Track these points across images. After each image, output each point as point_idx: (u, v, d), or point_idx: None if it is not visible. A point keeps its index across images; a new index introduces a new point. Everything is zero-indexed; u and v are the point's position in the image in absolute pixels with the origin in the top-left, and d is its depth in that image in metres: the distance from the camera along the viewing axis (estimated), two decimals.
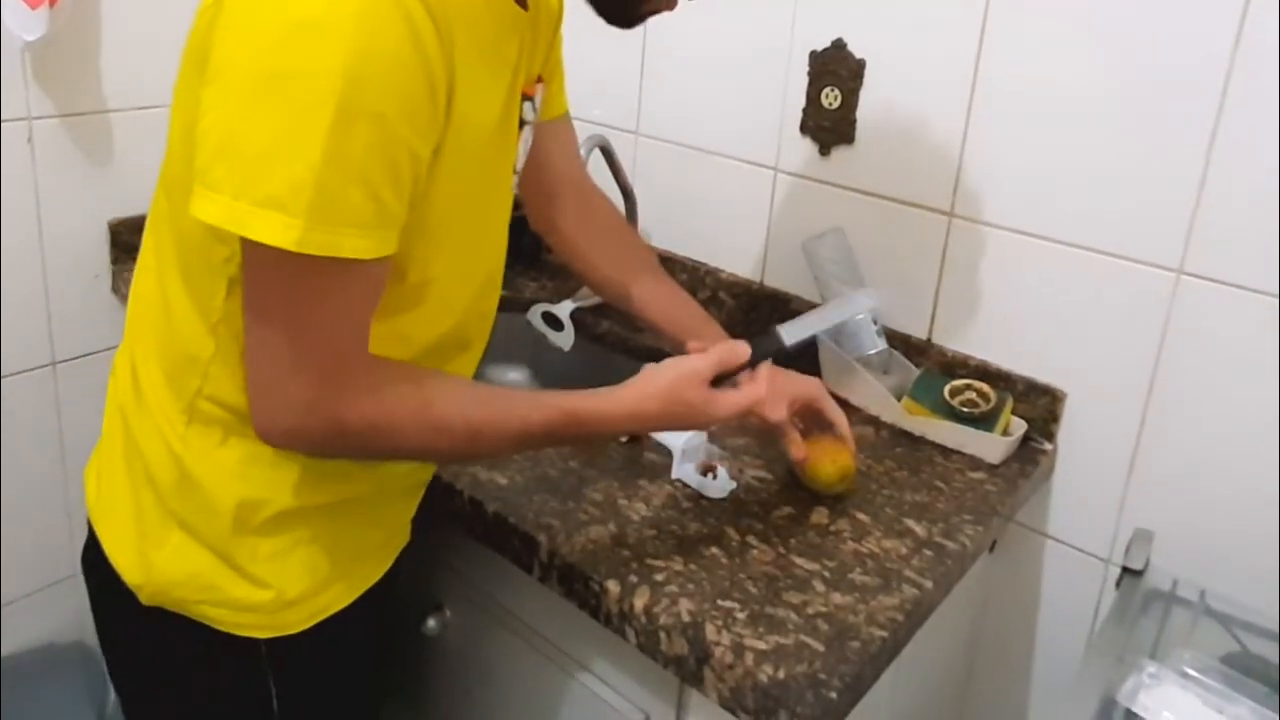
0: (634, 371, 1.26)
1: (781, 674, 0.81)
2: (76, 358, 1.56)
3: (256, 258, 0.72)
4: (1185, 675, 0.82)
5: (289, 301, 0.72)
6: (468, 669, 1.13)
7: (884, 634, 0.86)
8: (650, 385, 0.89)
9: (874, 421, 1.23)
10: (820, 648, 0.84)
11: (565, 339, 1.46)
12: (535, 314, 1.47)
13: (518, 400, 0.86)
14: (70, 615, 1.65)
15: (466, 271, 0.87)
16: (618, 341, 1.47)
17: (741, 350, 0.93)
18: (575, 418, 0.85)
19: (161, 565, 0.84)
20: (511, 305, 1.54)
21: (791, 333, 0.98)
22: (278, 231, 0.66)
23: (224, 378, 0.81)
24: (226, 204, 0.67)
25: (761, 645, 0.84)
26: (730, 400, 0.91)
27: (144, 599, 0.86)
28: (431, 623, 1.11)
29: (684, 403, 0.89)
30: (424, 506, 1.00)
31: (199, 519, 0.83)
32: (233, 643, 0.86)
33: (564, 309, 1.47)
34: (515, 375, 1.59)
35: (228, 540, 0.83)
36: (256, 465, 0.83)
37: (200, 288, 0.80)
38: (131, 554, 0.86)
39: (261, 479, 0.83)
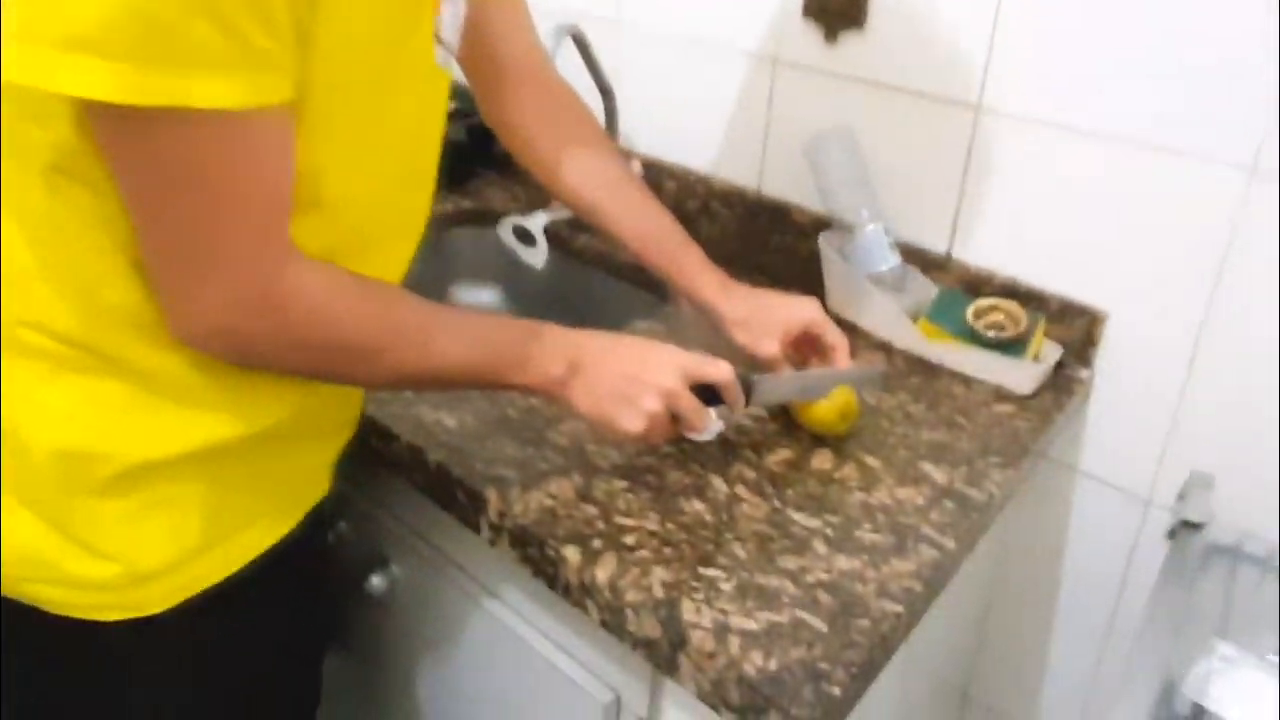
0: (614, 291, 1.11)
1: (773, 664, 0.67)
2: None
3: (106, 130, 0.59)
4: (1266, 659, 0.68)
5: (170, 179, 0.60)
6: (420, 632, 1.01)
7: (898, 609, 0.73)
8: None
9: (886, 348, 1.12)
10: (821, 627, 0.70)
11: (538, 256, 1.35)
12: (505, 228, 1.36)
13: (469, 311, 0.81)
14: None
15: (372, 160, 0.72)
16: (596, 258, 1.36)
17: (725, 369, 0.81)
18: (530, 327, 0.78)
19: None
20: (479, 218, 1.43)
21: (765, 390, 0.87)
22: (96, 80, 0.53)
23: (50, 297, 0.66)
24: (21, 50, 0.53)
25: (750, 625, 0.70)
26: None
27: None
28: (376, 580, 0.98)
29: (643, 347, 0.80)
30: (361, 447, 0.87)
31: (22, 479, 0.69)
32: (72, 628, 0.71)
33: (536, 222, 1.36)
34: (486, 297, 1.48)
35: (59, 503, 0.69)
36: (95, 408, 0.68)
37: (13, 186, 0.65)
38: None
39: (102, 426, 0.68)
